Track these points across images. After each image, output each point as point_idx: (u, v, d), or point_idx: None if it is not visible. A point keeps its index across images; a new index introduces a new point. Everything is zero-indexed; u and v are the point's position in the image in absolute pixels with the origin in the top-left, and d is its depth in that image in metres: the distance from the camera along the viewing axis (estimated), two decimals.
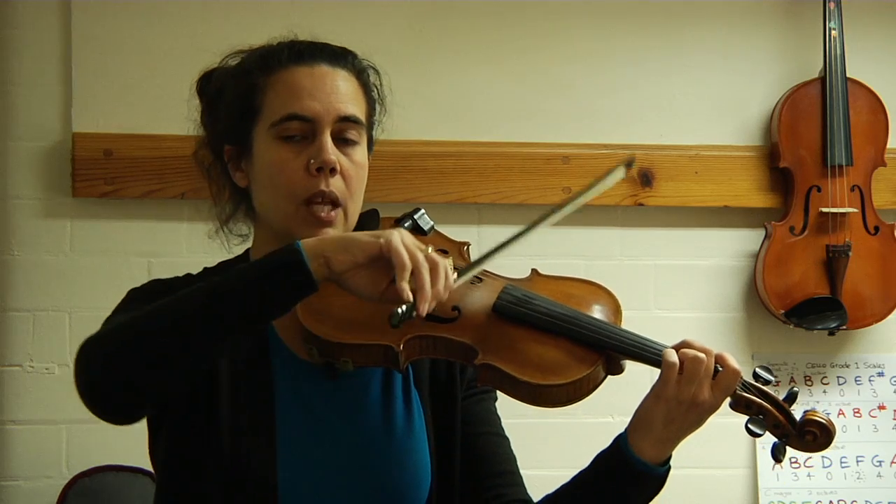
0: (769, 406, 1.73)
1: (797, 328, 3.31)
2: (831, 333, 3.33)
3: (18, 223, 3.14)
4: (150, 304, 1.71)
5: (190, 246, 3.18)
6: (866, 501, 3.41)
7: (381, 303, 1.57)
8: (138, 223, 3.17)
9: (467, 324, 1.71)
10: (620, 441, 1.74)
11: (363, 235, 1.57)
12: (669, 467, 1.74)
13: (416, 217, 1.84)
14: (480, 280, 1.78)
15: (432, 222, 1.84)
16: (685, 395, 1.69)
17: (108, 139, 3.12)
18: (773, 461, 1.78)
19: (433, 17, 3.29)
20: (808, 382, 3.42)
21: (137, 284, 3.26)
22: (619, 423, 1.76)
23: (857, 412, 3.43)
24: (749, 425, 1.73)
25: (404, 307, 1.54)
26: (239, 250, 1.89)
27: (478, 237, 3.26)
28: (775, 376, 1.78)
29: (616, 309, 1.80)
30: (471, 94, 3.29)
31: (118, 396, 1.57)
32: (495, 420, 1.88)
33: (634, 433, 1.73)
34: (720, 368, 1.70)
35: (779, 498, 3.37)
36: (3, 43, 3.14)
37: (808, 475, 3.38)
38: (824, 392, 3.42)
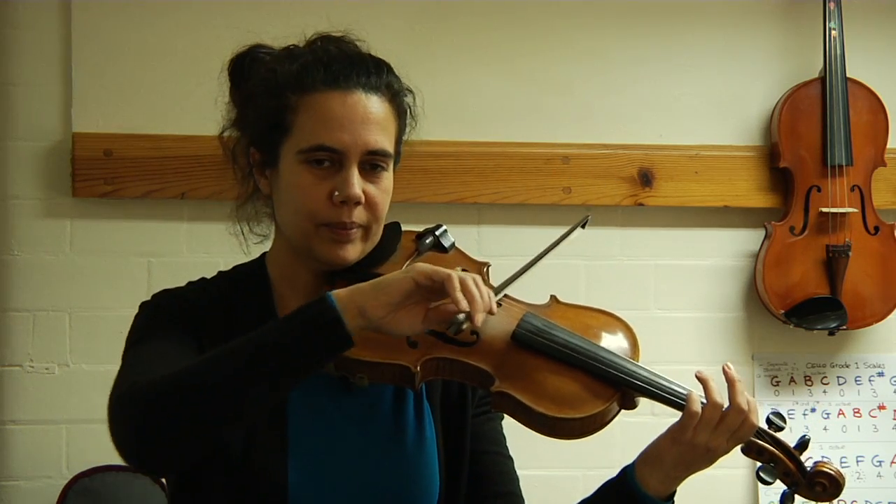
0: (781, 454, 1.75)
1: (797, 328, 3.31)
2: (831, 333, 3.33)
3: (18, 223, 3.14)
4: (166, 322, 1.70)
5: (190, 246, 3.18)
6: (866, 501, 3.41)
7: (427, 330, 1.59)
8: (138, 223, 3.17)
9: (485, 349, 1.71)
10: (627, 474, 1.75)
11: (391, 276, 1.56)
12: (673, 503, 1.76)
13: (437, 234, 1.83)
14: (500, 305, 1.78)
15: (453, 239, 1.84)
16: (701, 441, 1.70)
17: (108, 139, 3.12)
18: None
19: (433, 17, 3.29)
20: (808, 382, 3.42)
21: (137, 284, 3.26)
22: (618, 421, 1.76)
23: (857, 412, 3.43)
24: (760, 473, 1.75)
25: (461, 316, 1.55)
26: (255, 249, 1.87)
27: (478, 237, 3.27)
28: (786, 423, 1.79)
29: (634, 343, 1.80)
30: (471, 94, 3.29)
31: (160, 454, 1.54)
32: (501, 440, 1.88)
33: (643, 468, 1.74)
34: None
35: (779, 498, 3.36)
36: (3, 43, 3.14)
37: None
38: (824, 392, 3.42)
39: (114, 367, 1.65)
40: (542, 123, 3.32)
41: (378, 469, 1.74)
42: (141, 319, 1.75)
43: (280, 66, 1.76)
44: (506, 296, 1.79)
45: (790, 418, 3.35)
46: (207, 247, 3.15)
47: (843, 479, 1.76)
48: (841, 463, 3.39)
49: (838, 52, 3.29)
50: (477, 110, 3.29)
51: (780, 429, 1.76)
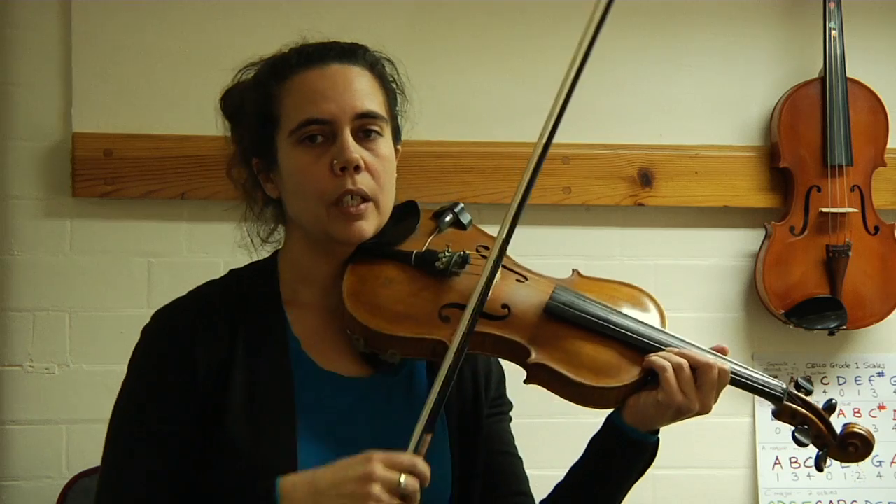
0: (813, 416, 1.76)
1: (797, 328, 3.31)
2: (831, 333, 3.33)
3: (18, 223, 3.14)
4: (151, 383, 1.69)
5: (190, 246, 3.18)
6: (866, 501, 3.41)
7: None
8: (138, 223, 3.17)
9: (517, 322, 1.72)
10: (613, 418, 1.76)
11: (347, 477, 1.56)
12: (658, 439, 1.77)
13: (456, 211, 1.85)
14: (526, 279, 1.78)
15: (470, 216, 1.85)
16: (693, 406, 1.72)
17: (108, 139, 3.12)
18: (816, 469, 1.82)
19: (433, 16, 3.29)
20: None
21: (137, 284, 3.26)
22: None
23: (857, 412, 3.43)
24: (796, 435, 1.77)
25: None
26: (265, 255, 1.87)
27: None
28: (814, 386, 1.80)
29: (661, 313, 1.83)
30: (471, 94, 3.29)
31: None
32: (511, 440, 1.89)
33: (631, 420, 1.74)
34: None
35: (779, 498, 3.37)
36: (3, 43, 3.14)
37: (808, 475, 3.38)
38: (824, 392, 3.42)
39: (114, 367, 1.64)
40: (542, 123, 3.30)
41: None
42: (130, 374, 1.74)
43: (260, 70, 1.79)
44: (530, 271, 1.80)
45: None
46: (207, 247, 3.15)
47: (874, 438, 1.77)
48: (840, 463, 3.39)
49: (838, 52, 3.29)
50: (477, 110, 3.29)
51: (809, 392, 1.78)
